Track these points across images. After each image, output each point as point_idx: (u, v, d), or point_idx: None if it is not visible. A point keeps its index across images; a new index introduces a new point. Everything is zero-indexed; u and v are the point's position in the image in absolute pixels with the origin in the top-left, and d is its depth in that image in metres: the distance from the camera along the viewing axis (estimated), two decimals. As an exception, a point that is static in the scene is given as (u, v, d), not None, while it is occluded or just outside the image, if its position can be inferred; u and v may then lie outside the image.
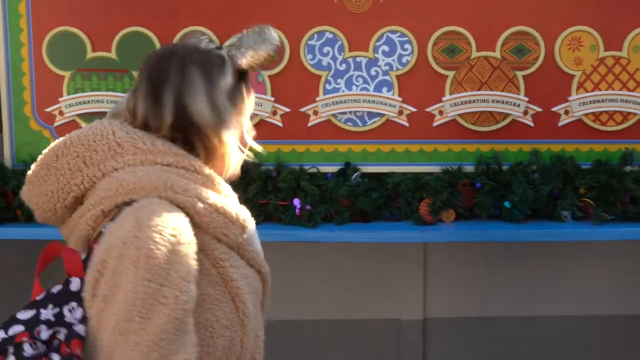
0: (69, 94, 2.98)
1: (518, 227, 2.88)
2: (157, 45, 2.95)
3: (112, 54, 2.97)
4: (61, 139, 1.46)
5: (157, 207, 1.36)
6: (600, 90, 3.03)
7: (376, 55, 2.99)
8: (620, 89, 3.03)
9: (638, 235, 2.91)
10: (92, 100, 2.98)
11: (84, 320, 1.36)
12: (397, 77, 3.01)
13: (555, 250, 3.35)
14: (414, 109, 3.01)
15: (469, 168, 2.99)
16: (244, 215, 1.49)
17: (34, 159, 1.52)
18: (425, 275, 3.43)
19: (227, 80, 1.48)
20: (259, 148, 1.60)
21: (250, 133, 1.58)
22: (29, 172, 1.47)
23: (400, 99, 3.00)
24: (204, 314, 1.42)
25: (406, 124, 3.02)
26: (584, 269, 3.45)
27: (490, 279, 3.43)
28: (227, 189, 1.52)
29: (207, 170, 1.47)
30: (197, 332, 1.38)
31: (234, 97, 1.51)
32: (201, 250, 1.41)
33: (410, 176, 2.96)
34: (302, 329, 3.48)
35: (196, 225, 1.41)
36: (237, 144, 1.52)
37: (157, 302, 1.29)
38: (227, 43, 1.54)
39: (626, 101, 3.03)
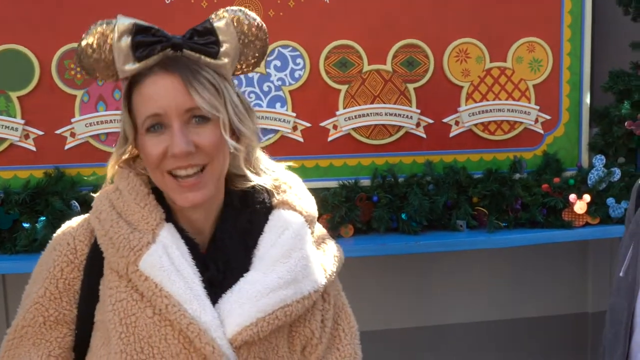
0: (-63, 118, 2.75)
1: (416, 239, 2.89)
2: (35, 63, 2.76)
3: (-15, 74, 2.76)
4: None
5: (69, 222, 1.49)
6: (487, 100, 3.10)
7: (268, 70, 2.94)
8: (507, 99, 3.12)
9: (531, 241, 3.01)
10: (-37, 125, 2.76)
11: None
12: (290, 92, 2.96)
13: (451, 259, 3.39)
14: (308, 124, 2.98)
15: (365, 182, 2.99)
16: (135, 243, 1.36)
17: None
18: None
19: None
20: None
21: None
22: None
23: (294, 114, 2.96)
24: (93, 338, 1.43)
25: (301, 139, 2.98)
26: (480, 276, 3.51)
27: (388, 291, 3.43)
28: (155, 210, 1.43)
29: (125, 186, 1.44)
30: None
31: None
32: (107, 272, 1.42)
33: (307, 192, 2.92)
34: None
35: None
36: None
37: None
38: None
39: (512, 110, 3.12)
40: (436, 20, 3.04)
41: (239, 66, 1.46)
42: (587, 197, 3.00)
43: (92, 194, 1.55)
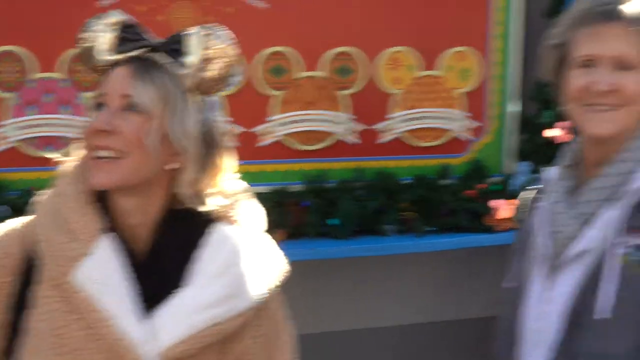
0: None
1: (346, 244, 2.95)
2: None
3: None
4: None
5: (6, 223, 1.47)
6: (418, 107, 3.17)
7: (202, 76, 2.95)
8: (437, 107, 3.19)
9: (457, 245, 3.09)
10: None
11: None
12: (225, 97, 2.99)
13: (382, 263, 3.44)
14: (241, 129, 3.00)
15: (296, 187, 3.03)
16: (71, 253, 1.34)
17: None
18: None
19: None
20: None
21: None
22: None
23: (228, 119, 2.98)
24: (23, 345, 1.39)
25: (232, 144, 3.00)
26: (407, 280, 3.56)
27: (319, 295, 3.46)
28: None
29: (71, 191, 1.39)
30: None
31: None
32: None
33: (238, 197, 2.94)
34: None
35: None
36: None
37: None
38: None
39: (442, 118, 3.20)
40: (369, 29, 3.09)
41: (203, 82, 1.43)
42: (514, 202, 3.08)
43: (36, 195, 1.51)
